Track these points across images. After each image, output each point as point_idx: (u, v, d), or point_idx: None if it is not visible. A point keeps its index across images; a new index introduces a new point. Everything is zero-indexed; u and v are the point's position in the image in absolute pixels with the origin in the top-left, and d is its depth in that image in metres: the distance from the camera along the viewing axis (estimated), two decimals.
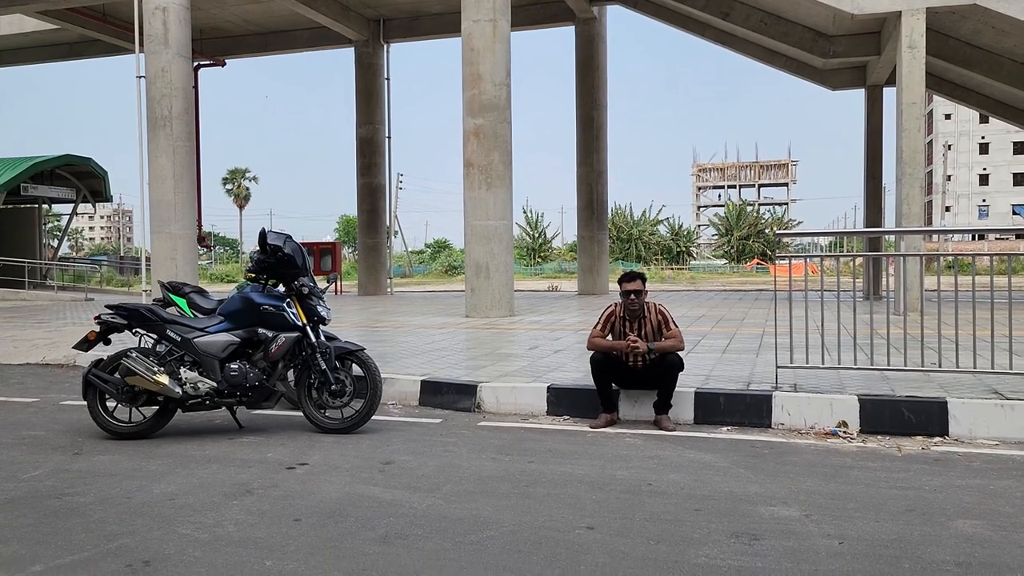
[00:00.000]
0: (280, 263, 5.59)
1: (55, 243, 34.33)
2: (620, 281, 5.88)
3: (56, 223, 38.60)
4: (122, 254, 71.13)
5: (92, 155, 27.09)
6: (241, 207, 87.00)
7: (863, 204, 20.52)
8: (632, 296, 5.73)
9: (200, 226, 22.78)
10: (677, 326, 5.78)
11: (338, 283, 25.12)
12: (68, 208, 30.26)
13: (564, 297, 21.26)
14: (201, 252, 30.17)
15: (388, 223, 23.85)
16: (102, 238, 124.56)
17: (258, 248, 5.65)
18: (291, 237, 5.69)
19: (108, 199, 28.56)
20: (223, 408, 5.68)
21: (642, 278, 5.87)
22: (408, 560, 3.27)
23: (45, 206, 29.54)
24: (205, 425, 5.92)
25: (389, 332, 11.16)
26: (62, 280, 28.52)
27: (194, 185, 15.04)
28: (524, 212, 63.81)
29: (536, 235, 63.19)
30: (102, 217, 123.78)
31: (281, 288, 5.78)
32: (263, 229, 5.63)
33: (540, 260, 60.18)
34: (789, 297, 6.04)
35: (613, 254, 54.89)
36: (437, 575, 3.11)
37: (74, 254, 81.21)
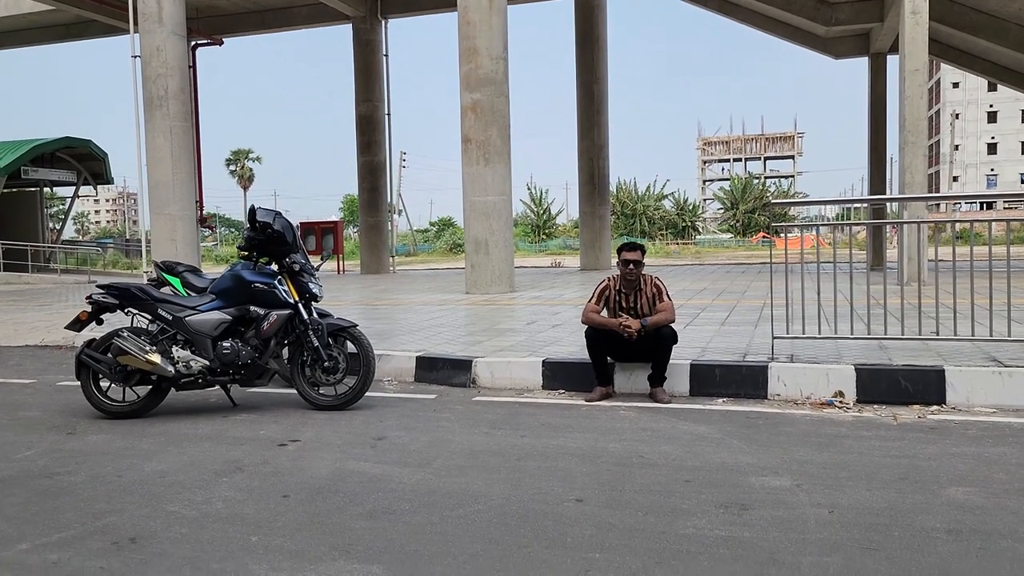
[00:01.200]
0: (270, 240, 5.55)
1: (62, 227, 34.38)
2: (620, 249, 5.84)
3: (61, 207, 38.85)
4: (127, 237, 71.28)
5: (93, 138, 27.05)
6: (245, 188, 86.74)
7: (867, 175, 20.36)
8: (631, 265, 5.69)
9: (201, 207, 22.77)
10: (671, 299, 5.73)
11: (340, 262, 25.11)
12: (70, 191, 30.25)
13: (566, 273, 21.21)
14: (207, 234, 30.16)
15: (389, 201, 23.80)
16: (108, 221, 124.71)
17: (248, 225, 5.61)
18: (281, 214, 5.64)
19: (109, 181, 28.54)
20: (217, 387, 5.68)
21: (642, 249, 5.83)
22: (394, 534, 3.26)
23: (47, 189, 29.54)
24: (200, 404, 5.92)
25: (388, 309, 11.15)
26: (66, 263, 28.58)
27: (193, 165, 15.01)
28: (528, 189, 63.47)
29: (540, 212, 62.94)
30: (108, 200, 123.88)
31: (275, 266, 5.75)
32: (252, 206, 5.59)
33: (544, 237, 59.99)
34: (785, 268, 5.99)
35: (618, 229, 54.68)
36: (422, 548, 3.10)
37: (80, 238, 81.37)
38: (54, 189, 31.38)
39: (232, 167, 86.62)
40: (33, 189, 28.27)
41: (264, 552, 3.11)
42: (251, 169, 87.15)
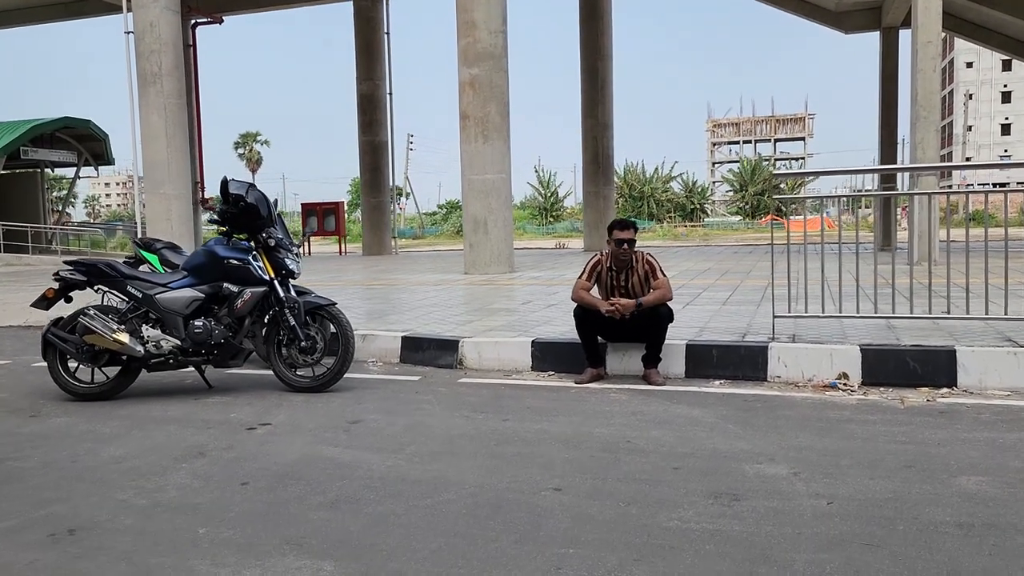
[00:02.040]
0: (243, 213, 5.27)
1: (63, 208, 34.20)
2: (611, 229, 5.54)
3: (71, 191, 39.09)
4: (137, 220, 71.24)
5: (94, 119, 26.77)
6: (253, 171, 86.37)
7: (878, 156, 19.93)
8: (625, 246, 5.40)
9: (203, 188, 22.55)
10: (665, 275, 5.44)
11: (343, 243, 24.87)
12: (72, 173, 30.03)
13: (569, 254, 20.93)
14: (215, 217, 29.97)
15: (391, 182, 23.48)
16: (119, 205, 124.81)
17: (220, 198, 5.34)
18: (255, 186, 5.37)
19: (110, 162, 28.27)
20: (192, 368, 5.43)
21: (634, 226, 5.54)
22: (354, 525, 3.00)
23: (50, 171, 29.31)
24: (174, 386, 5.67)
25: (383, 289, 10.90)
26: (68, 245, 28.42)
27: (187, 144, 14.72)
28: (536, 171, 62.92)
29: (548, 194, 62.35)
30: (118, 184, 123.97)
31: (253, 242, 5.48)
32: (224, 177, 5.30)
33: (552, 220, 59.47)
34: (787, 245, 5.70)
35: (625, 212, 54.17)
36: (380, 541, 2.84)
37: (92, 221, 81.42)
38: (55, 171, 31.13)
39: (240, 150, 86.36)
40: (33, 170, 28.04)
41: (210, 545, 2.86)
42: (259, 152, 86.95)
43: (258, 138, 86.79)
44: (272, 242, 5.33)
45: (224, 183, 5.28)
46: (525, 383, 5.49)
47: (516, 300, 8.86)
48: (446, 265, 16.09)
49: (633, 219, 5.72)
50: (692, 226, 54.10)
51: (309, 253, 23.97)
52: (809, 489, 3.26)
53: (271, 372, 5.54)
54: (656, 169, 62.40)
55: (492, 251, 12.61)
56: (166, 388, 5.60)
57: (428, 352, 6.11)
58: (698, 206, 62.42)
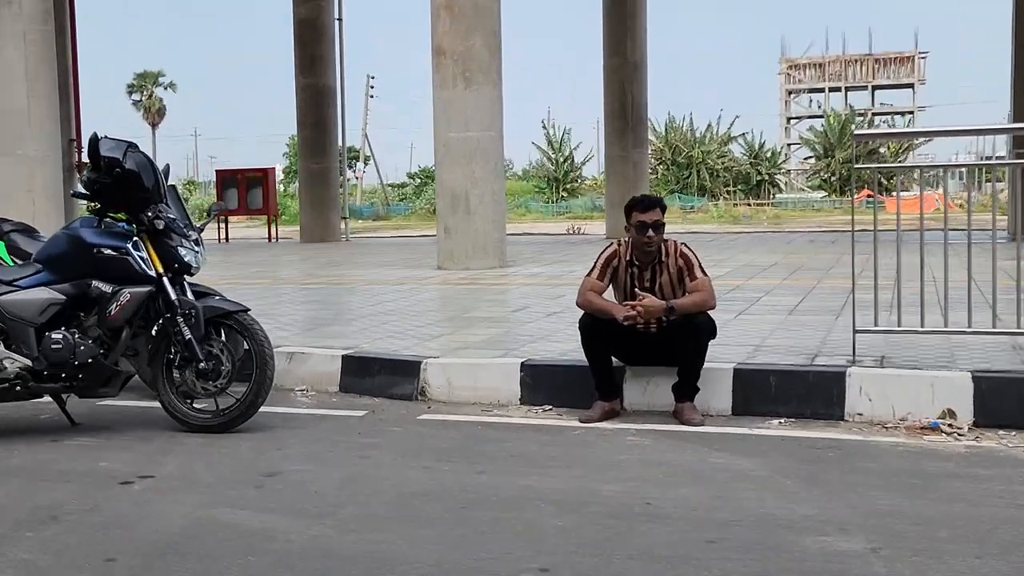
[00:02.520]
0: (119, 183, 5.28)
1: None
2: (630, 209, 5.60)
3: None
4: None
5: None
6: (154, 125, 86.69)
7: (1010, 108, 19.98)
8: (650, 231, 5.43)
9: (79, 150, 22.54)
10: (706, 274, 5.50)
11: (275, 226, 24.92)
12: None
13: (586, 242, 20.95)
14: None
15: (341, 142, 23.55)
16: None
17: (89, 163, 5.35)
18: (136, 146, 5.39)
19: None
20: (47, 397, 5.44)
21: (662, 206, 5.58)
22: None
23: None
24: (26, 421, 5.74)
25: (324, 290, 10.98)
26: None
27: (55, 88, 14.71)
28: (544, 128, 62.98)
29: (560, 160, 62.40)
30: None
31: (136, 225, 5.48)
32: (95, 134, 5.30)
33: (565, 194, 59.61)
34: (874, 233, 5.72)
35: (668, 184, 54.37)
36: None
37: None
38: None
39: (135, 96, 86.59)
40: None
41: None
42: (161, 100, 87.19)
43: (160, 79, 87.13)
44: (160, 224, 5.34)
45: (93, 142, 5.28)
46: (510, 421, 5.56)
47: (505, 306, 8.96)
48: (414, 256, 16.19)
49: (659, 196, 5.77)
50: (759, 204, 54.29)
51: (226, 239, 24.02)
52: (892, 572, 3.27)
53: (159, 404, 5.57)
54: (709, 127, 62.60)
55: (476, 238, 12.68)
56: (13, 426, 5.63)
57: (379, 378, 6.21)
58: (767, 177, 62.69)
